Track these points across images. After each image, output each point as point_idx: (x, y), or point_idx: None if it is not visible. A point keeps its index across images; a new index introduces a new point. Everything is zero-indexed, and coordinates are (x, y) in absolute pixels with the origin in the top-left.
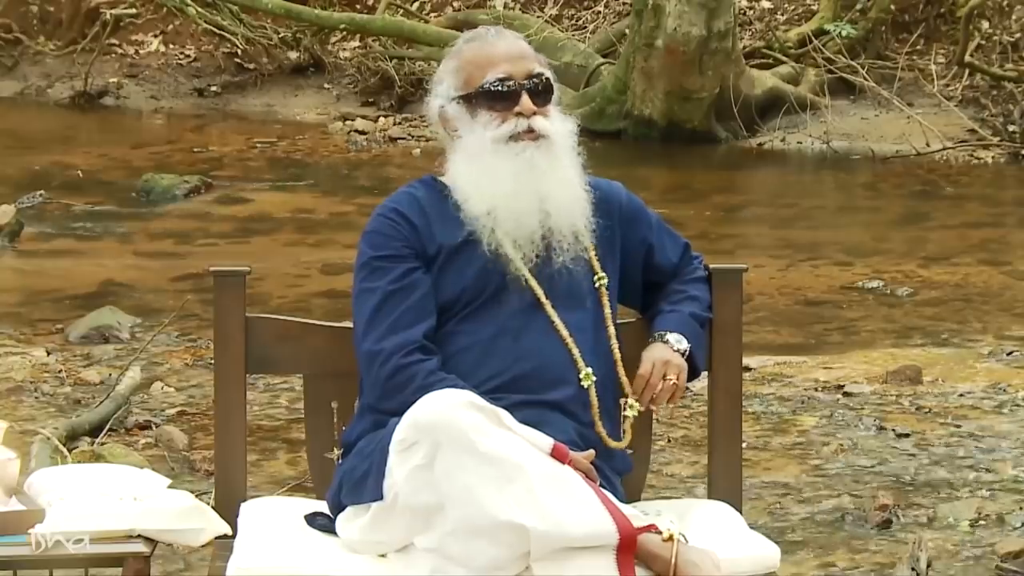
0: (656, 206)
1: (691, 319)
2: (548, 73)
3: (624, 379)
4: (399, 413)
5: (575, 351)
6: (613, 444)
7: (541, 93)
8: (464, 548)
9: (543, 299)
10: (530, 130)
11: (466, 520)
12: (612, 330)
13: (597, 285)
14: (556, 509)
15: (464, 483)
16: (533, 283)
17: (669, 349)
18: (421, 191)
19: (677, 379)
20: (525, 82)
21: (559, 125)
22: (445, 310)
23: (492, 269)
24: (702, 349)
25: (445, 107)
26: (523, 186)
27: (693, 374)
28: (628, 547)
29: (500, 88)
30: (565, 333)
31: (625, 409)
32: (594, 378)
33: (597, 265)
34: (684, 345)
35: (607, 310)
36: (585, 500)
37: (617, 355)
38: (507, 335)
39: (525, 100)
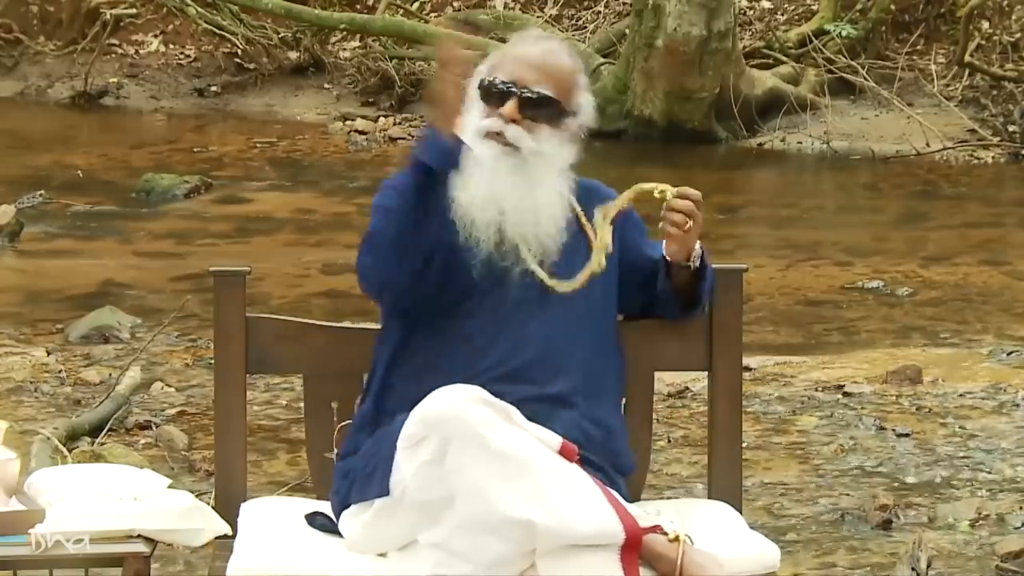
0: (656, 206)
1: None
2: (553, 95)
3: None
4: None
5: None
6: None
7: (533, 107)
8: (471, 543)
9: (552, 295)
10: (501, 134)
11: (474, 516)
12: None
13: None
14: (564, 506)
15: (473, 478)
16: (540, 273)
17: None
18: None
19: (695, 224)
20: (520, 90)
21: (544, 144)
22: (449, 291)
23: (497, 260)
24: (708, 281)
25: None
26: (480, 181)
27: (697, 302)
28: (633, 547)
29: (497, 87)
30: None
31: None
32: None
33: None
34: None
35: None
36: (592, 498)
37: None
38: (510, 323)
39: (510, 105)
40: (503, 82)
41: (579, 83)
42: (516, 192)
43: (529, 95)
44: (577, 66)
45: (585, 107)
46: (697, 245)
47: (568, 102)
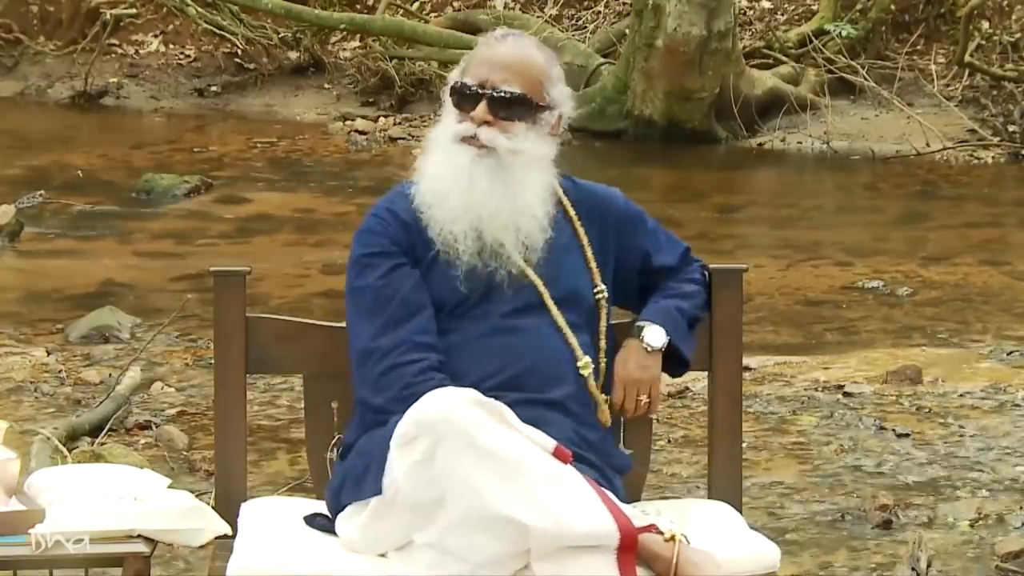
0: (656, 206)
1: (676, 311)
2: (523, 91)
3: (600, 399)
4: (388, 411)
5: (573, 341)
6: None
7: (504, 106)
8: (465, 542)
9: (543, 296)
10: (475, 137)
11: (467, 514)
12: (603, 343)
13: (597, 297)
14: (557, 507)
15: (465, 478)
16: (534, 278)
17: (641, 353)
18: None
19: (649, 395)
20: (489, 91)
21: (520, 143)
22: (439, 308)
23: (482, 268)
24: (687, 340)
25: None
26: (456, 189)
27: (682, 366)
28: (629, 547)
29: (466, 90)
30: (566, 329)
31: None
32: (592, 367)
33: (598, 276)
34: (660, 341)
35: (602, 323)
36: (586, 499)
37: (600, 370)
38: (504, 332)
39: (480, 108)
40: (472, 85)
41: (551, 76)
42: (495, 196)
43: (498, 95)
44: (548, 59)
45: (560, 99)
46: (650, 332)
47: (540, 96)
